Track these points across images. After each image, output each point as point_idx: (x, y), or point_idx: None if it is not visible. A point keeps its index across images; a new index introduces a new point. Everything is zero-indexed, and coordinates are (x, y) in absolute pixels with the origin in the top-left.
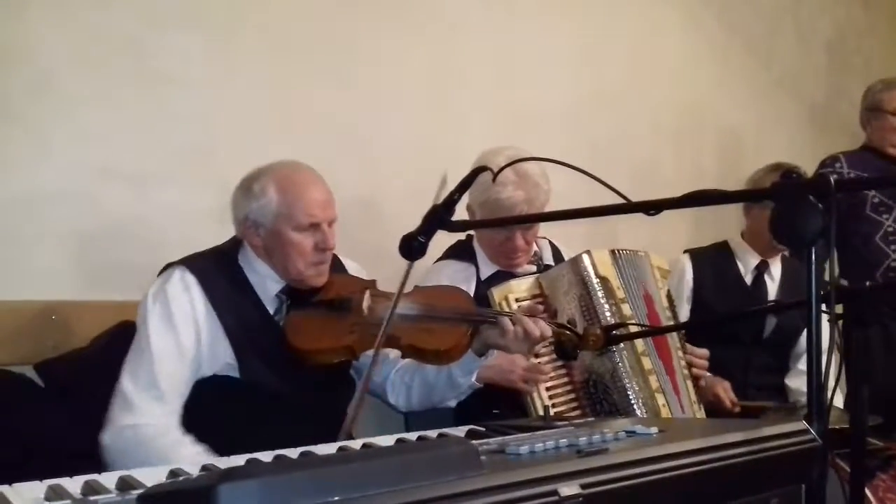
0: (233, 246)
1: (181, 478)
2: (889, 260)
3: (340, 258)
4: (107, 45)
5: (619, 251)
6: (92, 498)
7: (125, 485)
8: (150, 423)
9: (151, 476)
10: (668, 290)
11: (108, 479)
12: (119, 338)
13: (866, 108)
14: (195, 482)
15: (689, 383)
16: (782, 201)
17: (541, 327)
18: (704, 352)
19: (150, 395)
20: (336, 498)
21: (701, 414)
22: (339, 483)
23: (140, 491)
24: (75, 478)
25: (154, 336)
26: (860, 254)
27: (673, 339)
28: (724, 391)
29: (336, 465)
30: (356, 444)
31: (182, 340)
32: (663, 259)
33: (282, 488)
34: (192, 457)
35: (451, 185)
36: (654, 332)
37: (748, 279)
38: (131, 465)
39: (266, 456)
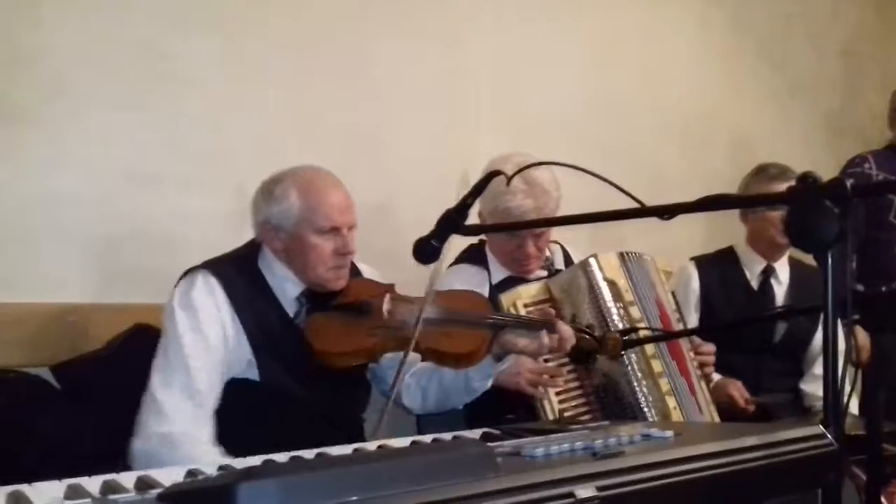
0: (251, 250)
1: (199, 477)
2: None
3: (356, 263)
4: (123, 48)
5: (627, 254)
6: (111, 497)
7: (144, 484)
8: (183, 430)
9: (169, 476)
10: (673, 292)
11: (127, 479)
12: (135, 340)
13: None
14: (214, 481)
15: (703, 384)
16: (797, 206)
17: (570, 335)
18: (710, 346)
19: (183, 402)
20: (354, 498)
21: (715, 414)
22: (356, 483)
23: (159, 490)
24: (94, 477)
25: (184, 341)
26: (878, 262)
27: (684, 340)
28: (738, 390)
29: (354, 465)
30: (371, 447)
31: (211, 344)
32: (663, 260)
33: (301, 488)
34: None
35: (446, 184)
36: (669, 335)
37: (754, 284)
38: None
39: (282, 457)
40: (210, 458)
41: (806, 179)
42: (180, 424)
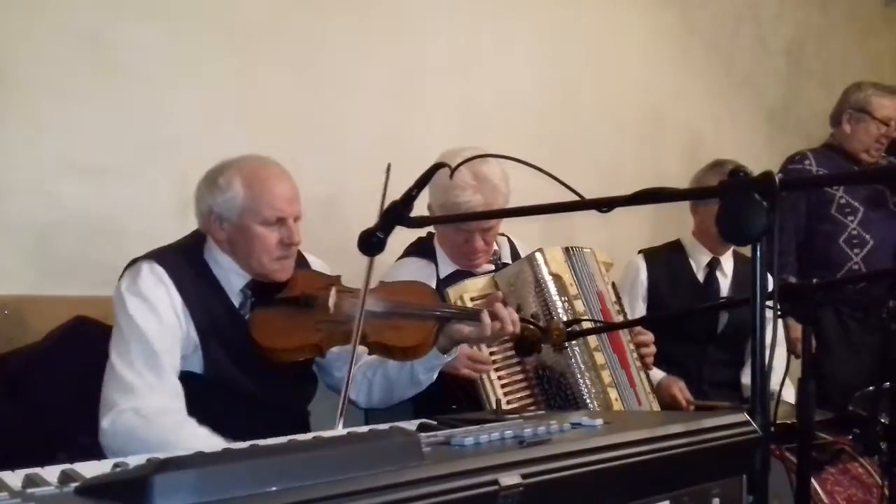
0: (196, 240)
1: (119, 469)
2: (851, 263)
3: (304, 254)
4: (66, 37)
5: (572, 248)
6: (30, 490)
7: (66, 478)
8: (153, 403)
9: (94, 469)
10: (613, 283)
11: (50, 473)
12: (75, 332)
13: (852, 108)
14: (131, 473)
15: (643, 374)
16: (728, 199)
17: (513, 319)
18: (649, 335)
19: (148, 376)
20: (273, 488)
21: (656, 404)
22: (276, 473)
23: (78, 483)
24: (17, 471)
25: (138, 322)
26: (823, 255)
27: (624, 332)
28: (680, 391)
29: (276, 455)
30: (306, 437)
31: (166, 322)
32: (604, 252)
33: (218, 479)
34: (198, 439)
35: (397, 177)
36: (612, 327)
37: (700, 276)
38: (134, 448)
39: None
40: (187, 431)
41: (737, 173)
42: (150, 398)
